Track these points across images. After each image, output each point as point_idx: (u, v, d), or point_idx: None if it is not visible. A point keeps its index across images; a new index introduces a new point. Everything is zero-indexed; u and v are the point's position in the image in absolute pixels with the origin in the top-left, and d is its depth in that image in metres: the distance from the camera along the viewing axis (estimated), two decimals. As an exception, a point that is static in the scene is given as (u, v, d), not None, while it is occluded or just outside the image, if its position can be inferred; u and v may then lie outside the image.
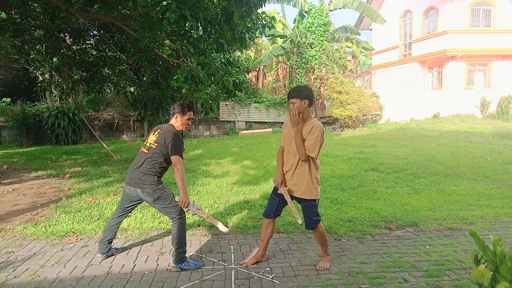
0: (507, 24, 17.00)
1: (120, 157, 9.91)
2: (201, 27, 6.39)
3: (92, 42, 9.78)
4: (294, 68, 18.32)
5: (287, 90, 17.26)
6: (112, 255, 3.65)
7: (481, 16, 17.29)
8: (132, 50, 8.93)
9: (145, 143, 3.45)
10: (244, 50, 16.33)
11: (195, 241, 4.03)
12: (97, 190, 6.25)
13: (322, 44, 17.66)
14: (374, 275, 3.19)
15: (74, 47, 9.35)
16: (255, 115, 16.84)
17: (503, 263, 1.75)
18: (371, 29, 23.40)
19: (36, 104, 15.59)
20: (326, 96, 17.43)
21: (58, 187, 6.59)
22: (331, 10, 18.27)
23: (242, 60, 18.42)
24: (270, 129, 16.10)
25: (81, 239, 4.10)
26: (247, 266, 3.38)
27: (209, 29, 6.24)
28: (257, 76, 22.71)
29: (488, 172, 7.27)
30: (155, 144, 3.31)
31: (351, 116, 16.15)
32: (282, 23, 21.85)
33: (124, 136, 15.18)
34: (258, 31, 7.18)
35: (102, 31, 8.81)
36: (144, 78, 12.30)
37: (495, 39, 17.06)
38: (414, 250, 3.75)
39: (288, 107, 16.54)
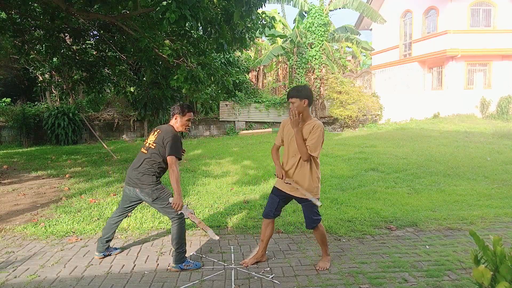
0: (507, 24, 17.00)
1: (120, 157, 9.91)
2: (201, 27, 6.39)
3: (92, 42, 9.78)
4: (294, 68, 18.32)
5: (287, 90, 17.25)
6: (109, 254, 3.65)
7: (481, 16, 17.29)
8: (132, 50, 8.93)
9: (144, 143, 3.46)
10: (244, 50, 16.34)
11: (195, 241, 4.03)
12: (97, 190, 6.25)
13: (322, 44, 17.66)
14: (374, 275, 3.19)
15: (74, 47, 9.35)
16: (255, 115, 16.84)
17: (503, 263, 1.75)
18: (371, 29, 23.40)
19: (36, 104, 15.59)
20: (326, 96, 17.43)
21: (58, 187, 6.59)
22: (331, 10, 18.27)
23: (242, 60, 18.42)
24: (270, 129, 16.10)
25: (81, 239, 4.10)
26: (247, 266, 3.38)
27: (209, 29, 6.24)
28: (257, 76, 22.71)
29: (488, 172, 7.27)
30: (154, 145, 3.31)
31: (351, 116, 16.15)
32: (282, 23, 21.85)
33: (124, 136, 15.18)
34: (258, 31, 7.17)
35: (102, 31, 8.81)
36: (144, 78, 12.30)
37: (495, 39, 17.06)
38: (414, 250, 3.75)
39: (288, 107, 16.52)
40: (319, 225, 3.29)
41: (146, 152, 3.35)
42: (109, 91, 14.36)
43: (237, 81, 17.04)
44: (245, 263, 3.41)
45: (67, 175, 7.58)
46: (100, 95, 12.76)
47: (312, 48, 17.77)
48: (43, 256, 3.67)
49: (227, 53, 15.00)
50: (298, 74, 18.05)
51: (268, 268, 3.35)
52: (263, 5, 6.30)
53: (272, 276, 3.21)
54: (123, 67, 10.39)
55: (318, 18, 17.59)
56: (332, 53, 19.43)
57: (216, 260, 3.54)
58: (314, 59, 17.72)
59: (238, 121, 16.64)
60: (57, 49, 8.82)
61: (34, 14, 7.96)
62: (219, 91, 14.89)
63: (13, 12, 7.77)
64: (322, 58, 17.74)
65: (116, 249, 3.75)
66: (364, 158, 8.89)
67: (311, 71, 17.98)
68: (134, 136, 15.27)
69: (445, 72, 17.84)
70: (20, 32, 8.11)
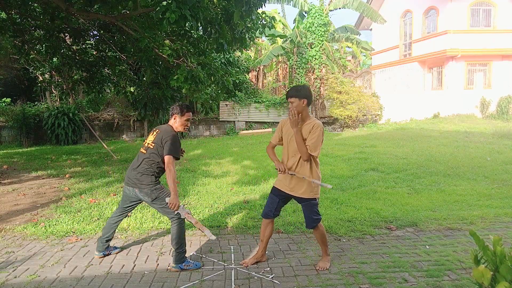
0: (507, 24, 17.00)
1: (120, 157, 9.91)
2: (201, 27, 6.38)
3: (92, 42, 9.77)
4: (294, 68, 18.32)
5: (287, 90, 17.25)
6: (109, 254, 3.66)
7: (481, 16, 17.29)
8: (132, 50, 8.93)
9: (143, 143, 3.47)
10: (244, 50, 16.34)
11: (195, 241, 4.03)
12: (97, 190, 6.25)
13: (322, 44, 17.66)
14: (374, 275, 3.19)
15: (74, 47, 9.35)
16: (255, 115, 16.84)
17: (503, 263, 1.75)
18: (371, 29, 23.40)
19: (36, 104, 15.59)
20: (326, 96, 17.43)
21: (58, 187, 6.59)
22: (331, 10, 18.27)
23: (242, 60, 18.42)
24: (270, 129, 16.10)
25: (81, 239, 4.10)
26: (247, 266, 3.38)
27: (209, 29, 6.24)
28: (257, 76, 22.71)
29: (488, 172, 7.27)
30: (153, 145, 3.32)
31: (351, 116, 16.15)
32: (282, 23, 21.85)
33: (124, 136, 15.18)
34: (258, 31, 7.17)
35: (102, 31, 8.81)
36: (144, 78, 12.30)
37: (495, 39, 17.06)
38: (414, 250, 3.75)
39: (288, 107, 16.55)
40: (319, 224, 3.29)
41: (145, 152, 3.35)
42: (109, 91, 14.36)
43: (237, 81, 17.04)
44: (245, 263, 3.41)
45: (67, 175, 7.58)
46: (100, 95, 12.74)
47: (312, 48, 17.77)
48: (43, 256, 3.67)
49: (227, 53, 15.00)
50: (298, 74, 18.04)
51: (268, 268, 3.35)
52: (263, 5, 6.30)
53: (272, 276, 3.21)
54: (123, 67, 10.39)
55: (318, 18, 17.59)
56: (332, 53, 19.43)
57: (216, 260, 3.55)
58: (314, 59, 17.71)
59: (238, 121, 16.64)
60: (57, 49, 8.82)
61: (34, 14, 7.96)
62: (219, 91, 14.88)
63: (13, 12, 7.77)
64: (322, 58, 17.74)
65: (116, 248, 3.75)
66: (364, 158, 8.89)
67: (311, 71, 17.98)
68: (134, 136, 15.27)
69: (445, 72, 17.84)
70: (20, 32, 8.11)
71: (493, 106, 17.16)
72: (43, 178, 7.42)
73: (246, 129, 16.48)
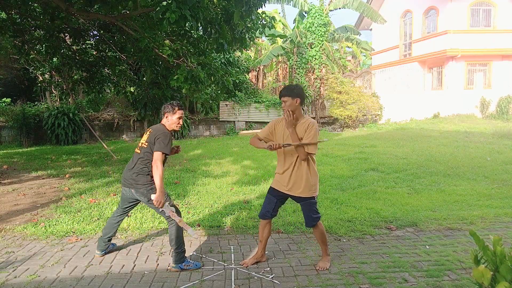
0: (507, 24, 17.01)
1: (120, 157, 9.91)
2: (201, 27, 6.39)
3: (92, 42, 9.78)
4: (294, 68, 18.33)
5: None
6: (110, 251, 3.68)
7: (481, 16, 17.29)
8: (132, 50, 8.93)
9: (138, 143, 3.48)
10: (244, 50, 16.34)
11: (195, 241, 4.03)
12: (97, 190, 6.25)
13: (322, 44, 17.66)
14: (374, 275, 3.19)
15: (74, 47, 9.35)
16: (255, 115, 16.84)
17: (503, 263, 1.75)
18: (371, 29, 23.40)
19: (36, 104, 15.59)
20: (326, 96, 17.43)
21: (58, 187, 6.59)
22: (331, 10, 18.28)
23: (242, 60, 18.42)
24: (270, 129, 16.07)
25: (81, 239, 4.10)
26: (247, 266, 3.38)
27: (209, 29, 6.24)
28: (257, 76, 22.70)
29: (488, 172, 7.27)
30: (146, 144, 3.32)
31: (351, 116, 16.15)
32: (282, 23, 21.85)
33: (124, 136, 15.18)
34: (258, 31, 7.18)
35: (102, 31, 8.81)
36: (144, 78, 12.31)
37: (495, 39, 17.06)
38: (414, 250, 3.75)
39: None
40: (318, 223, 3.29)
41: (139, 152, 3.36)
42: (109, 91, 14.36)
43: (237, 81, 17.04)
44: (245, 263, 3.41)
45: (67, 175, 7.58)
46: (100, 95, 12.76)
47: (312, 48, 17.77)
48: (43, 256, 3.67)
49: (227, 53, 15.01)
50: (298, 74, 18.04)
51: (268, 268, 3.35)
52: (263, 5, 6.30)
53: (272, 276, 3.21)
54: (123, 67, 10.39)
55: (318, 18, 17.59)
56: (332, 53, 19.44)
57: (216, 260, 3.55)
58: (314, 59, 17.71)
59: (238, 121, 16.64)
60: (57, 49, 8.82)
61: (34, 14, 7.97)
62: (219, 91, 14.88)
63: (13, 12, 7.77)
64: (322, 58, 17.74)
65: (113, 244, 3.78)
66: (364, 158, 8.89)
67: (311, 71, 17.98)
68: (134, 136, 15.27)
69: (445, 72, 17.85)
70: (20, 32, 8.11)
71: (493, 106, 17.17)
72: (43, 178, 7.42)
73: (246, 129, 16.48)
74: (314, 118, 17.23)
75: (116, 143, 13.67)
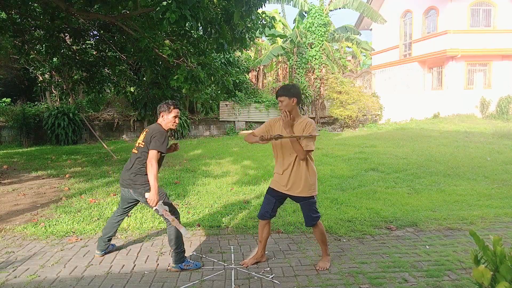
0: (507, 24, 17.01)
1: (120, 157, 9.91)
2: (201, 27, 6.38)
3: (92, 42, 9.77)
4: (294, 68, 18.33)
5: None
6: (110, 252, 3.68)
7: (481, 16, 17.29)
8: (132, 50, 8.93)
9: (135, 144, 3.49)
10: (244, 50, 16.34)
11: (195, 241, 4.03)
12: (97, 190, 6.25)
13: (322, 44, 17.66)
14: (374, 275, 3.19)
15: (74, 47, 9.35)
16: (255, 115, 16.84)
17: (503, 263, 1.75)
18: (371, 29, 23.41)
19: (36, 104, 15.59)
20: (326, 96, 17.43)
21: (58, 187, 6.59)
22: (331, 10, 18.29)
23: (242, 60, 18.42)
24: (270, 129, 16.06)
25: (81, 239, 4.10)
26: (247, 266, 3.38)
27: (209, 29, 6.24)
28: (257, 76, 22.71)
29: (488, 172, 7.27)
30: (143, 143, 3.33)
31: (351, 116, 16.15)
32: (282, 23, 21.86)
33: (124, 136, 15.18)
34: (258, 31, 7.17)
35: (102, 31, 8.81)
36: (144, 78, 12.31)
37: (495, 39, 17.06)
38: (414, 250, 3.75)
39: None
40: (318, 222, 3.29)
41: (136, 152, 3.37)
42: (109, 91, 14.36)
43: (237, 81, 17.04)
44: (245, 263, 3.41)
45: (67, 175, 7.58)
46: (100, 95, 12.75)
47: (312, 48, 17.77)
48: (43, 256, 3.67)
49: (227, 53, 15.01)
50: (298, 74, 18.05)
51: (268, 268, 3.35)
52: (263, 5, 6.30)
53: (272, 276, 3.21)
54: (123, 67, 10.39)
55: (318, 18, 17.59)
56: (332, 53, 19.45)
57: (216, 260, 3.55)
58: (314, 59, 17.71)
59: (238, 121, 16.64)
60: (57, 49, 8.82)
61: (34, 14, 7.96)
62: (219, 91, 14.88)
63: (13, 12, 7.77)
64: (322, 58, 17.74)
65: (113, 245, 3.78)
66: (364, 158, 8.89)
67: (311, 71, 17.98)
68: (134, 136, 15.26)
69: (445, 72, 17.85)
70: (20, 32, 8.11)
71: (493, 106, 17.17)
72: (43, 178, 7.42)
73: (246, 129, 16.48)
74: (314, 118, 17.23)
75: (116, 143, 13.67)
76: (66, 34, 8.97)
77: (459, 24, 16.99)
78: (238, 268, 3.37)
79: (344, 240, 4.02)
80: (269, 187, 3.37)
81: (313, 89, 17.59)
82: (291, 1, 18.18)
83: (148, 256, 3.66)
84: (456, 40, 16.80)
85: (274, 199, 3.31)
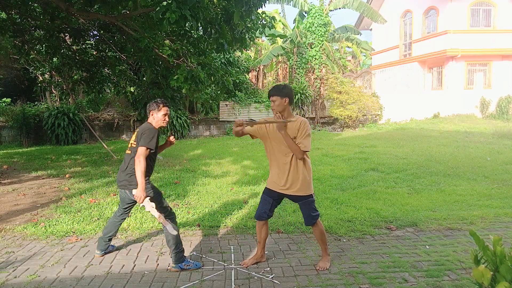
0: (507, 24, 17.01)
1: (120, 157, 9.91)
2: (201, 27, 6.39)
3: (92, 42, 9.78)
4: (294, 68, 18.33)
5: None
6: (109, 252, 3.68)
7: (481, 16, 17.30)
8: (132, 50, 8.93)
9: (128, 144, 3.49)
10: (244, 50, 16.34)
11: (195, 241, 4.03)
12: (97, 190, 6.25)
13: (322, 44, 17.66)
14: (374, 275, 3.19)
15: (74, 47, 9.35)
16: (255, 115, 16.84)
17: (503, 263, 1.75)
18: (371, 29, 23.41)
19: (36, 104, 15.59)
20: (326, 96, 17.43)
21: (58, 187, 6.59)
22: (331, 10, 18.29)
23: (242, 60, 18.42)
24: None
25: (81, 239, 4.10)
26: (247, 266, 3.38)
27: (209, 29, 6.24)
28: (257, 76, 22.70)
29: (488, 172, 7.27)
30: (135, 143, 3.33)
31: (351, 116, 16.16)
32: (282, 23, 21.86)
33: (124, 136, 15.18)
34: (258, 31, 7.17)
35: (102, 31, 8.81)
36: (144, 78, 12.30)
37: (495, 39, 17.07)
38: (414, 250, 3.75)
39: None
40: (318, 221, 3.28)
41: (130, 152, 3.37)
42: (109, 91, 14.36)
43: (237, 81, 17.04)
44: (245, 263, 3.41)
45: (67, 175, 7.58)
46: (100, 95, 12.77)
47: (312, 48, 17.77)
48: (43, 256, 3.67)
49: (227, 53, 15.01)
50: (298, 74, 18.04)
51: (268, 268, 3.35)
52: (263, 5, 6.30)
53: (272, 276, 3.20)
54: (123, 67, 10.39)
55: (318, 18, 17.59)
56: (332, 53, 19.45)
57: (216, 260, 3.54)
58: (314, 59, 17.71)
59: (238, 121, 16.62)
60: (57, 49, 8.83)
61: (34, 14, 7.96)
62: (219, 91, 14.89)
63: (13, 12, 7.77)
64: (322, 58, 17.74)
65: (113, 246, 3.79)
66: (364, 158, 8.89)
67: (311, 71, 17.98)
68: (134, 136, 15.25)
69: (445, 72, 17.85)
70: (20, 32, 8.11)
71: (493, 106, 17.17)
72: (43, 178, 7.42)
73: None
74: (314, 118, 17.24)
75: (116, 143, 13.67)
76: (66, 34, 8.97)
77: (459, 24, 16.99)
78: (238, 268, 3.37)
79: (344, 240, 4.02)
80: (266, 188, 3.36)
81: (313, 89, 17.59)
82: (291, 1, 18.18)
83: (148, 256, 3.66)
84: (456, 40, 16.80)
85: (272, 199, 3.31)
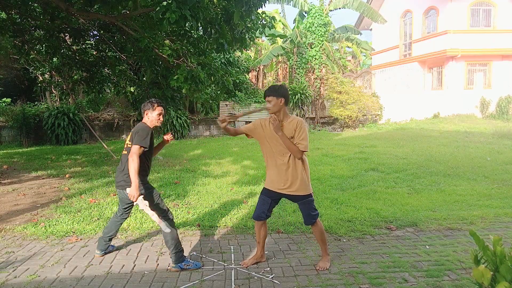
0: (507, 24, 17.01)
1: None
2: (201, 27, 6.39)
3: (92, 42, 9.77)
4: (294, 68, 18.33)
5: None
6: (109, 252, 3.69)
7: (481, 16, 17.30)
8: (132, 50, 8.93)
9: (124, 145, 3.51)
10: (244, 50, 16.34)
11: (195, 241, 4.03)
12: (97, 190, 6.25)
13: (322, 44, 17.66)
14: (374, 275, 3.19)
15: (74, 47, 9.35)
16: (255, 115, 16.82)
17: (503, 263, 1.75)
18: (371, 29, 23.41)
19: (36, 104, 15.59)
20: (326, 96, 17.43)
21: (58, 187, 6.59)
22: (331, 10, 18.29)
23: (242, 60, 18.42)
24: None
25: (81, 239, 4.10)
26: (247, 266, 3.38)
27: (209, 29, 6.24)
28: (257, 76, 22.70)
29: (488, 172, 7.27)
30: (130, 143, 3.34)
31: (351, 116, 16.15)
32: (282, 23, 21.86)
33: (124, 136, 15.17)
34: (258, 31, 7.17)
35: (102, 31, 8.81)
36: (144, 78, 12.28)
37: (495, 39, 17.07)
38: (414, 250, 3.75)
39: (288, 107, 16.54)
40: (317, 220, 3.28)
41: (126, 152, 3.38)
42: (109, 91, 14.36)
43: (237, 81, 17.03)
44: (245, 263, 3.41)
45: (67, 175, 7.58)
46: (100, 95, 12.76)
47: (312, 48, 17.77)
48: (43, 256, 3.67)
49: (227, 53, 15.01)
50: (298, 74, 18.04)
51: (268, 268, 3.35)
52: (263, 5, 6.30)
53: (272, 276, 3.21)
54: (123, 67, 10.39)
55: (318, 18, 17.59)
56: (332, 53, 19.45)
57: (216, 260, 3.55)
58: (314, 59, 17.71)
59: (238, 121, 16.64)
60: (57, 49, 8.82)
61: (34, 14, 7.96)
62: (219, 91, 14.88)
63: (13, 12, 7.77)
64: (322, 58, 17.73)
65: (113, 246, 3.79)
66: (364, 158, 8.89)
67: (311, 71, 17.98)
68: (134, 136, 15.24)
69: (445, 72, 17.85)
70: (20, 32, 8.11)
71: (493, 106, 17.17)
72: (43, 178, 7.42)
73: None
74: (314, 118, 17.24)
75: (116, 143, 13.67)
76: (66, 34, 8.97)
77: (459, 24, 16.99)
78: (238, 268, 3.37)
79: (344, 240, 4.02)
80: (264, 188, 3.36)
81: (313, 89, 17.59)
82: (291, 1, 18.17)
83: (148, 256, 3.66)
84: (456, 40, 16.80)
85: (270, 199, 3.31)
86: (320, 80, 17.81)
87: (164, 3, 5.01)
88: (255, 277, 3.19)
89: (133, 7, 6.33)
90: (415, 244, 3.89)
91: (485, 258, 1.86)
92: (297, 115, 16.23)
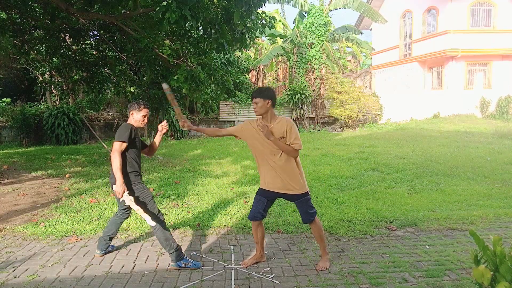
0: (507, 24, 17.01)
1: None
2: (201, 27, 6.39)
3: (92, 42, 9.77)
4: (294, 68, 18.33)
5: (287, 90, 17.26)
6: (109, 252, 3.69)
7: (481, 16, 17.30)
8: (132, 50, 8.92)
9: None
10: (244, 50, 16.35)
11: (195, 241, 4.03)
12: (97, 190, 6.25)
13: (322, 44, 17.66)
14: (374, 275, 3.19)
15: (74, 47, 9.35)
16: (255, 115, 16.81)
17: (503, 263, 1.75)
18: (371, 29, 23.41)
19: (36, 104, 15.59)
20: (326, 96, 17.43)
21: (58, 187, 6.59)
22: (331, 10, 18.29)
23: (242, 60, 18.42)
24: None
25: (81, 239, 4.10)
26: (247, 267, 3.38)
27: (209, 29, 6.24)
28: (257, 76, 22.71)
29: (488, 172, 7.27)
30: None
31: (351, 116, 16.16)
32: (282, 23, 21.86)
33: (124, 136, 15.16)
34: (258, 31, 7.17)
35: (102, 31, 8.81)
36: (144, 78, 12.29)
37: (495, 39, 17.07)
38: (414, 250, 3.75)
39: (288, 107, 16.56)
40: (315, 218, 3.28)
41: None
42: (109, 91, 14.36)
43: (237, 81, 17.04)
44: (245, 263, 3.41)
45: (67, 175, 7.58)
46: (100, 95, 12.75)
47: (312, 48, 17.77)
48: (43, 256, 3.67)
49: (227, 53, 15.00)
50: (298, 74, 18.04)
51: (268, 268, 3.35)
52: (263, 5, 6.30)
53: (272, 276, 3.21)
54: (123, 67, 10.39)
55: (318, 18, 17.59)
56: (332, 53, 19.45)
57: (216, 260, 3.54)
58: (314, 59, 17.71)
59: (238, 121, 16.63)
60: (57, 49, 8.82)
61: (34, 14, 7.96)
62: (219, 91, 14.89)
63: (13, 12, 7.77)
64: (322, 58, 17.73)
65: (113, 246, 3.79)
66: (364, 158, 8.89)
67: (311, 71, 17.98)
68: (134, 136, 15.24)
69: (445, 72, 17.85)
70: (20, 32, 8.10)
71: (493, 106, 17.17)
72: (43, 178, 7.42)
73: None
74: (314, 118, 17.25)
75: (116, 143, 13.65)
76: (66, 34, 8.97)
77: (459, 24, 16.99)
78: (238, 268, 3.37)
79: (344, 240, 4.02)
80: (260, 188, 3.35)
81: (313, 89, 17.60)
82: (291, 1, 18.18)
83: (148, 256, 3.66)
84: (456, 40, 16.80)
85: (266, 199, 3.31)
86: (320, 80, 17.81)
87: (164, 3, 5.01)
88: (255, 277, 3.19)
89: (133, 7, 6.33)
90: (415, 244, 3.89)
91: (485, 258, 1.86)
92: (297, 115, 16.25)
